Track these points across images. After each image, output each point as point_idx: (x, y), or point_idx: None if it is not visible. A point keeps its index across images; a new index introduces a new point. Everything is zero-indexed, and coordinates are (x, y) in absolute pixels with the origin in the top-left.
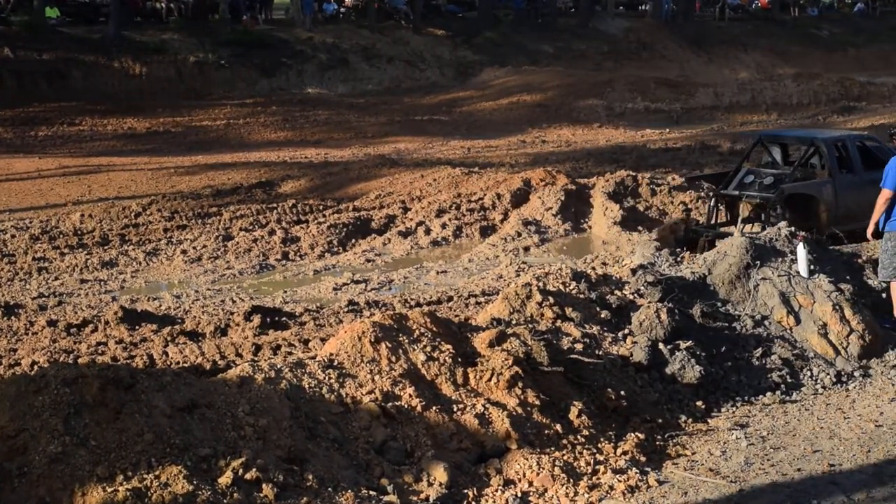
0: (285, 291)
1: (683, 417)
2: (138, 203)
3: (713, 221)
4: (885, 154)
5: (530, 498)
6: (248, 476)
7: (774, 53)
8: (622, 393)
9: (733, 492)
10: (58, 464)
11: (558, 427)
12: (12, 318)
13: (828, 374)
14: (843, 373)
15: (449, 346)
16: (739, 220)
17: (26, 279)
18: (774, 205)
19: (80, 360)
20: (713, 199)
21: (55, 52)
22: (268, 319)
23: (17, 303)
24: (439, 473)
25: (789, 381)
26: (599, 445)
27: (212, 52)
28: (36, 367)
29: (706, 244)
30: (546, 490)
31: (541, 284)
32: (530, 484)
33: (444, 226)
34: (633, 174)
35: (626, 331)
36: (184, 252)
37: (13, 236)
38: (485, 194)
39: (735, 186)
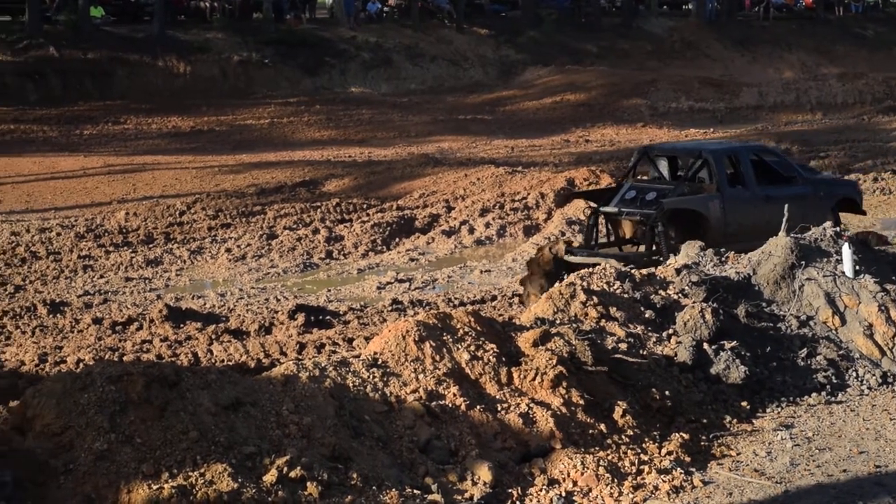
0: (329, 290)
1: (728, 418)
2: (183, 201)
3: (592, 242)
4: (784, 168)
5: (575, 497)
6: (292, 474)
7: (819, 53)
8: (667, 393)
9: (778, 493)
10: (103, 461)
11: (603, 427)
12: (58, 315)
13: (873, 374)
14: (889, 374)
15: (493, 346)
16: (593, 236)
17: (72, 277)
18: (655, 222)
19: (125, 358)
20: (591, 218)
21: (100, 51)
22: (312, 318)
23: (63, 300)
24: (484, 472)
25: (835, 381)
26: (644, 445)
27: (255, 51)
28: (81, 365)
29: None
30: (590, 490)
31: (585, 284)
32: (575, 483)
33: (487, 225)
34: None
35: (671, 331)
36: (228, 250)
37: (59, 234)
38: (528, 193)
39: (616, 203)
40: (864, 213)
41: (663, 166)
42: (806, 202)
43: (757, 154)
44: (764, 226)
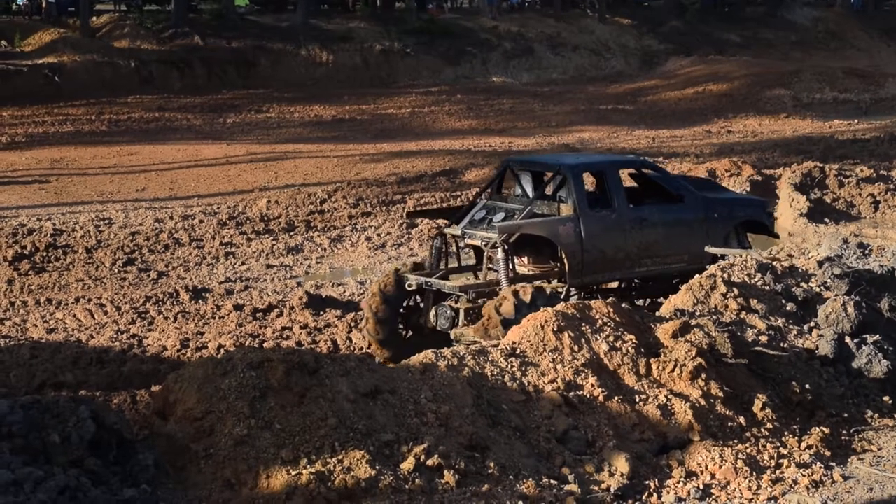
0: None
1: (870, 412)
2: (324, 190)
3: (439, 265)
4: (669, 183)
5: (712, 490)
6: (430, 462)
7: None
8: (807, 386)
9: None
10: (243, 446)
11: (741, 419)
12: (200, 301)
13: None
14: None
15: (631, 336)
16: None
17: (214, 264)
18: (494, 248)
19: (265, 345)
20: (437, 240)
21: (244, 40)
22: None
23: (205, 287)
24: (621, 464)
25: None
26: (783, 439)
27: (397, 40)
28: (223, 351)
29: (431, 296)
30: (728, 482)
31: (725, 276)
32: (712, 476)
33: None
34: (821, 165)
35: (812, 324)
36: (368, 239)
37: (201, 221)
38: None
39: (464, 224)
40: (776, 236)
41: (527, 182)
42: (693, 225)
43: (637, 167)
44: (637, 252)
